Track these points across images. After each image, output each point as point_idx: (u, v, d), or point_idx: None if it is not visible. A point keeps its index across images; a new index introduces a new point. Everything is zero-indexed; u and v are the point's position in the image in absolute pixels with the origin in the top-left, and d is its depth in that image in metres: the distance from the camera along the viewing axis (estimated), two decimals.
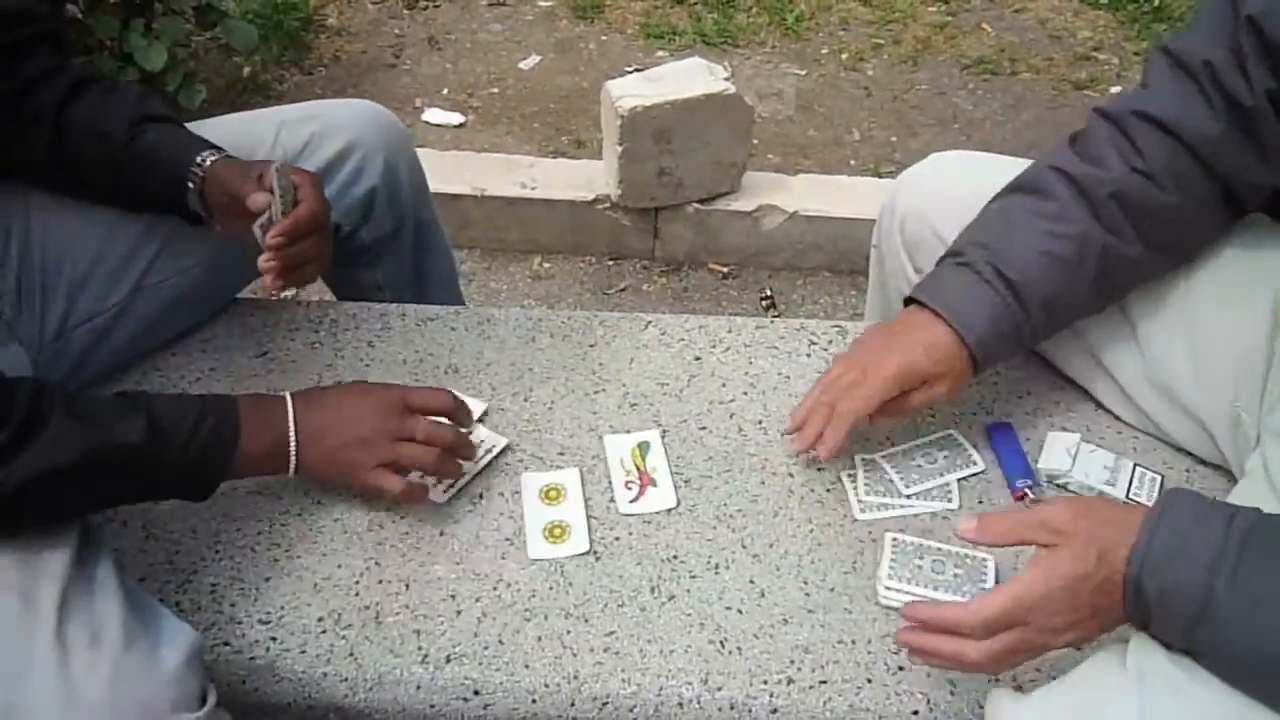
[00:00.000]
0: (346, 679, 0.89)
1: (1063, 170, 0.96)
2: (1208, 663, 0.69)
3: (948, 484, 1.03)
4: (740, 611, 0.93)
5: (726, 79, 2.02)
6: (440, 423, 0.97)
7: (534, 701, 0.88)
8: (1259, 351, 0.93)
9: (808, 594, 0.94)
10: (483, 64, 2.80)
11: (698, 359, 1.17)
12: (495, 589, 0.94)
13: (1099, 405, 1.09)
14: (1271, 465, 0.86)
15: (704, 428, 1.09)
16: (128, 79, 2.11)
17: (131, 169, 1.02)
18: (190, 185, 1.01)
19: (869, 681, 0.88)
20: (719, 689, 0.88)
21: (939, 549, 0.95)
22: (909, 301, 1.00)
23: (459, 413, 0.99)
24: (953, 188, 1.14)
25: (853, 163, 2.50)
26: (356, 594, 0.94)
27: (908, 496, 1.01)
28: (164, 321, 1.14)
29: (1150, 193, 0.93)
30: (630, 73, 2.27)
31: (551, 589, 0.94)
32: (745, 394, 1.13)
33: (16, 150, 1.03)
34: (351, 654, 0.90)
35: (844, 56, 2.85)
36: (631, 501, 1.02)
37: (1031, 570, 0.73)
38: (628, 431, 1.08)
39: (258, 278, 1.37)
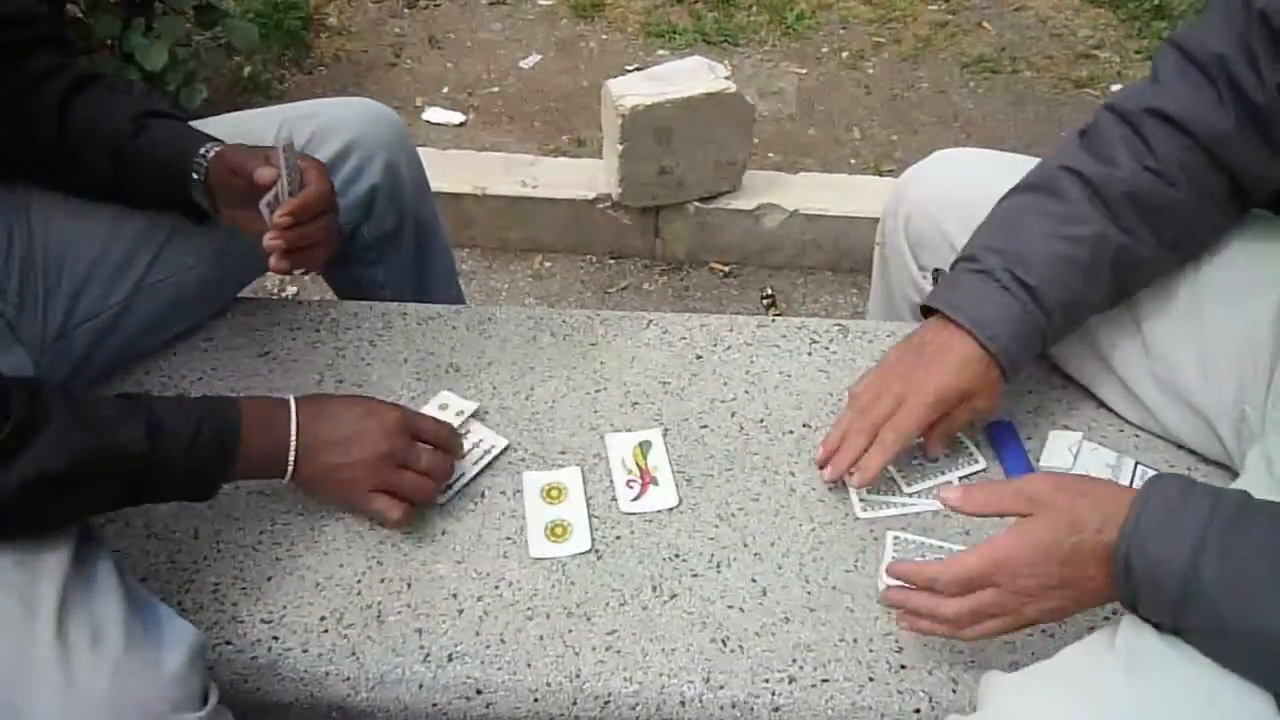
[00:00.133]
0: (349, 678, 0.89)
1: (1075, 170, 0.96)
2: (1197, 640, 0.70)
3: (949, 482, 1.02)
4: (742, 610, 0.93)
5: (727, 78, 2.02)
6: (442, 455, 0.97)
7: (536, 700, 0.88)
8: (1265, 347, 0.93)
9: (809, 592, 0.94)
10: (483, 63, 2.80)
11: (699, 358, 1.17)
12: (497, 588, 0.94)
13: (1101, 404, 1.09)
14: (1274, 458, 0.86)
15: (705, 426, 1.09)
16: (129, 79, 2.11)
17: (135, 163, 1.02)
18: (195, 176, 1.00)
19: (871, 680, 0.88)
20: (721, 687, 0.88)
21: (940, 547, 0.95)
22: (925, 310, 1.00)
23: (453, 443, 1.00)
24: (957, 185, 1.14)
25: (853, 161, 2.50)
26: (358, 593, 0.94)
27: (909, 495, 1.01)
28: (166, 320, 1.14)
29: (1162, 190, 0.93)
30: (631, 71, 2.27)
31: (553, 588, 0.94)
32: (746, 392, 1.13)
33: (20, 149, 1.02)
34: (353, 653, 0.90)
35: (844, 55, 2.85)
36: (633, 500, 1.02)
37: (1006, 534, 0.76)
38: (629, 430, 1.08)
39: (259, 276, 1.37)
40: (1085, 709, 0.71)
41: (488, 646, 0.90)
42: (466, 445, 1.04)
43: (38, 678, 0.74)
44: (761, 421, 1.10)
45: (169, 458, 0.84)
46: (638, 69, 2.34)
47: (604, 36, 2.91)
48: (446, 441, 0.99)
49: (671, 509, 1.01)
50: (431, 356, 1.17)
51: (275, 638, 0.91)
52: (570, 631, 0.91)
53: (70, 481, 0.79)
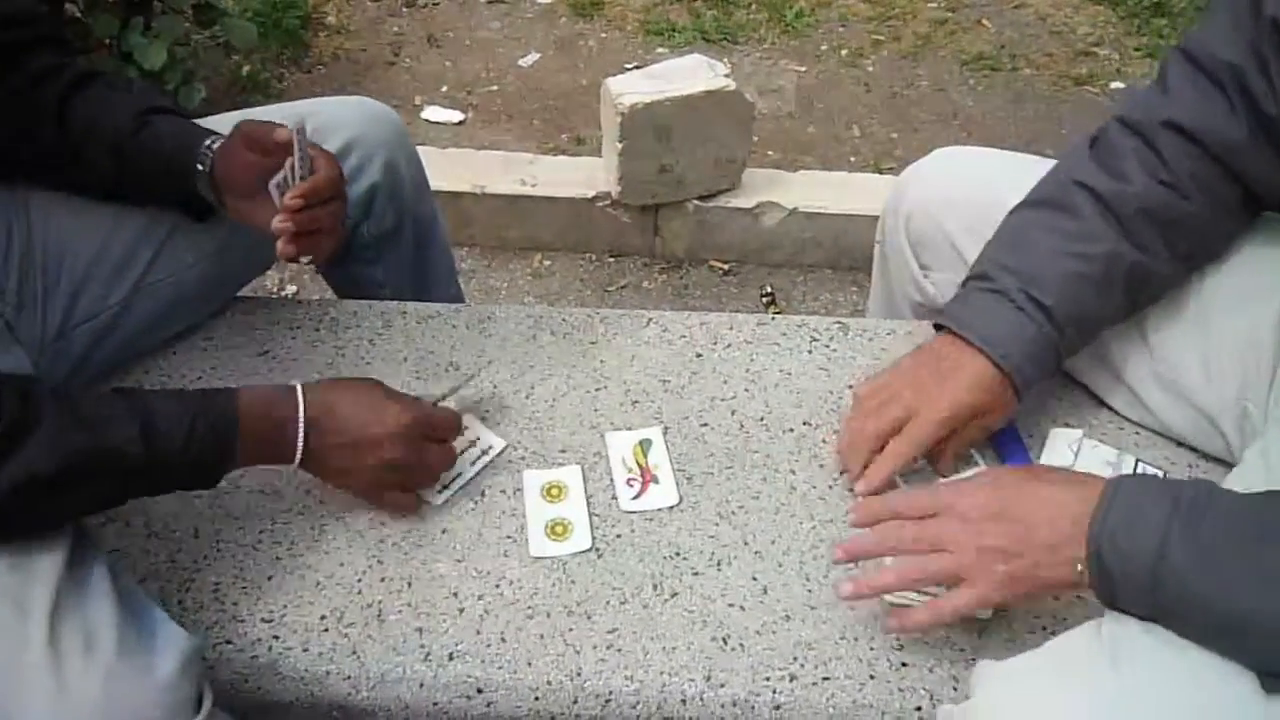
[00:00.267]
0: (349, 677, 0.89)
1: (1087, 185, 0.96)
2: (1175, 625, 0.72)
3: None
4: (742, 608, 0.93)
5: (726, 76, 2.02)
6: (450, 448, 0.99)
7: (537, 699, 0.88)
8: (1268, 347, 0.93)
9: (810, 590, 0.94)
10: (482, 61, 2.80)
11: (699, 356, 1.17)
12: (497, 586, 0.94)
13: (1101, 402, 1.09)
14: (1272, 453, 0.86)
15: (705, 424, 1.09)
16: (128, 77, 2.11)
17: (137, 158, 1.01)
18: (200, 167, 0.99)
19: (872, 678, 0.88)
20: (722, 686, 0.88)
21: None
22: (938, 325, 1.01)
23: (458, 428, 1.02)
24: (957, 184, 1.14)
25: (853, 159, 2.50)
26: (359, 592, 0.94)
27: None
28: (165, 319, 1.14)
29: (1176, 203, 0.93)
30: (630, 69, 2.27)
31: (554, 586, 0.94)
32: (746, 391, 1.13)
33: (20, 148, 1.02)
34: (354, 652, 0.90)
35: (844, 53, 2.85)
36: (633, 499, 1.02)
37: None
38: (629, 428, 1.08)
39: (259, 274, 1.36)
40: (1076, 696, 0.72)
41: (488, 645, 0.90)
42: (466, 445, 1.05)
43: (29, 683, 0.73)
44: (762, 419, 1.10)
45: (164, 456, 0.83)
46: (637, 67, 2.34)
47: (603, 35, 2.91)
48: (454, 432, 1.00)
49: (672, 507, 1.01)
50: (431, 355, 1.16)
51: (276, 637, 0.90)
52: (571, 630, 0.91)
53: (63, 483, 0.78)
